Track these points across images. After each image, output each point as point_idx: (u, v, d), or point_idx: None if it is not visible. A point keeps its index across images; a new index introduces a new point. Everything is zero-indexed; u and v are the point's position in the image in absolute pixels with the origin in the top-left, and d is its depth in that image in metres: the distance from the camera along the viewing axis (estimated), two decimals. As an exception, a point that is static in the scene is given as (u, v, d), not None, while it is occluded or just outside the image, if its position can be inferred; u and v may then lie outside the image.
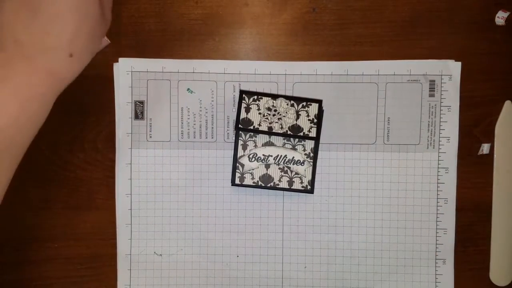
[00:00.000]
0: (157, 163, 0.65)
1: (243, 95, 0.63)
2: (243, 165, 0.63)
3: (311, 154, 0.63)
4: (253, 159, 0.63)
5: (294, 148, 0.63)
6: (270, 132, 0.63)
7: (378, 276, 0.64)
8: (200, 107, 0.65)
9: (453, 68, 0.64)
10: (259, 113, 0.63)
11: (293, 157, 0.63)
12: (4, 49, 0.49)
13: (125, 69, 0.65)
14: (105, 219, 0.66)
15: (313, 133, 0.63)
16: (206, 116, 0.65)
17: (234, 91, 0.65)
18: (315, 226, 0.65)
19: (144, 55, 0.65)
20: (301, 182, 0.63)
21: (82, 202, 0.66)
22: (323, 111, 0.63)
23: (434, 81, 0.64)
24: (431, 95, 0.64)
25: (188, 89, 0.65)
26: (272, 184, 0.63)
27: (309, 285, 0.65)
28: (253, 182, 0.63)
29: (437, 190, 0.65)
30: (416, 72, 0.64)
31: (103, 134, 0.66)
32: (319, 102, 0.63)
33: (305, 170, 0.63)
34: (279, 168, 0.63)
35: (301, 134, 0.62)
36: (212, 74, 0.65)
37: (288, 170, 0.63)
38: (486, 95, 0.64)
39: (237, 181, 0.63)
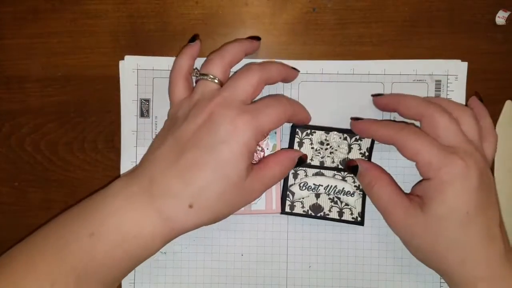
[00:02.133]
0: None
1: (296, 130, 0.63)
2: (294, 193, 0.63)
3: (361, 187, 0.63)
4: (304, 187, 0.63)
5: (344, 179, 0.63)
6: (322, 166, 0.63)
7: (382, 276, 0.64)
8: (205, 106, 0.65)
9: (459, 68, 0.64)
10: (312, 148, 0.63)
11: (343, 188, 0.63)
12: (139, 184, 0.53)
13: (130, 67, 0.65)
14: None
15: None
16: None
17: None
18: (320, 226, 0.65)
19: (144, 55, 0.65)
20: (351, 214, 0.63)
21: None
22: (373, 142, 0.63)
23: (440, 81, 0.64)
24: (437, 95, 0.64)
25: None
26: (322, 214, 0.63)
27: (313, 285, 0.65)
28: (303, 211, 0.63)
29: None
30: (422, 72, 0.64)
31: (104, 134, 0.65)
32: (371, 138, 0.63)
33: (355, 202, 0.63)
34: (329, 198, 0.63)
35: (354, 166, 0.62)
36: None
37: (338, 201, 0.63)
38: (486, 95, 0.64)
39: (287, 209, 0.63)
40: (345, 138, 0.63)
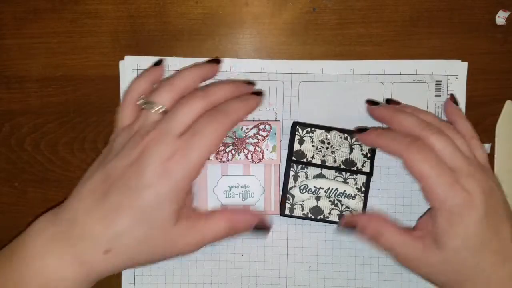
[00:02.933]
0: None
1: (297, 127, 0.62)
2: (294, 196, 0.63)
3: (363, 189, 0.63)
4: (304, 190, 0.63)
5: (345, 181, 0.63)
6: (323, 166, 0.62)
7: (382, 276, 0.64)
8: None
9: (459, 68, 0.65)
10: (313, 146, 0.62)
11: (344, 191, 0.63)
12: (60, 224, 0.51)
13: (130, 67, 0.65)
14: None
15: (366, 168, 0.63)
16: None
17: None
18: (320, 226, 0.65)
19: (144, 55, 0.65)
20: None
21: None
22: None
23: (440, 81, 0.64)
24: (437, 95, 0.64)
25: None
26: (322, 216, 0.63)
27: (313, 285, 0.65)
28: (303, 214, 0.63)
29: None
30: (422, 72, 0.64)
31: (104, 134, 0.65)
32: None
33: (356, 205, 0.63)
34: (330, 201, 0.63)
35: (355, 168, 0.62)
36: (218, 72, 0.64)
37: (339, 204, 0.63)
38: (487, 95, 0.64)
39: (287, 212, 0.63)
40: (346, 138, 0.63)
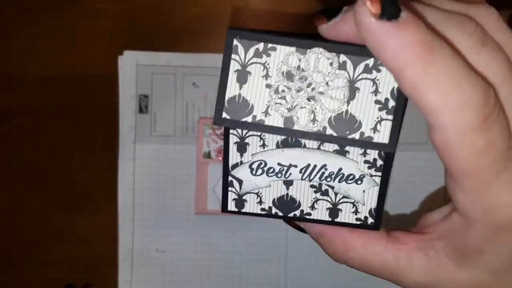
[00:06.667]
0: (161, 158, 0.65)
1: (234, 41, 0.30)
2: (241, 181, 0.34)
3: (379, 163, 0.32)
4: (260, 170, 0.33)
5: (342, 151, 0.32)
6: (289, 130, 0.30)
7: (383, 276, 0.64)
8: (206, 102, 0.65)
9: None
10: (268, 86, 0.30)
11: (340, 170, 0.33)
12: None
13: (130, 62, 0.64)
14: (104, 220, 0.65)
15: (383, 132, 0.30)
16: (211, 112, 0.64)
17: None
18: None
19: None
20: (356, 212, 0.34)
21: (81, 203, 0.65)
22: None
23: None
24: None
25: (194, 83, 0.64)
26: (298, 212, 0.34)
27: (313, 284, 0.64)
28: (262, 209, 0.34)
29: (444, 191, 0.64)
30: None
31: (102, 134, 0.65)
32: None
33: (364, 193, 0.33)
34: (311, 186, 0.33)
35: (358, 134, 0.30)
36: (218, 68, 0.63)
37: (330, 190, 0.33)
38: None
39: (231, 207, 0.35)
40: (343, 64, 0.29)
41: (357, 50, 0.29)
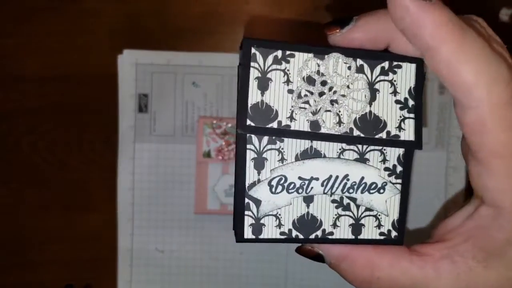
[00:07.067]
0: (160, 157, 0.65)
1: (253, 50, 0.31)
2: (259, 201, 0.31)
3: (398, 169, 0.32)
4: (280, 187, 0.31)
5: (362, 158, 0.32)
6: (316, 134, 0.31)
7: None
8: (205, 102, 0.64)
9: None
10: (290, 91, 0.30)
11: (362, 179, 0.32)
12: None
13: (129, 61, 0.64)
14: (104, 220, 0.65)
15: (408, 130, 0.31)
16: (211, 111, 0.64)
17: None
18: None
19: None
20: (379, 225, 0.33)
21: (80, 203, 0.65)
22: (424, 75, 0.32)
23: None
24: (441, 93, 0.64)
25: (194, 83, 0.64)
26: (319, 233, 0.33)
27: (313, 283, 0.64)
28: (281, 233, 0.32)
29: (445, 191, 0.64)
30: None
31: (102, 134, 0.65)
32: (417, 61, 0.32)
33: (386, 202, 0.33)
34: (333, 201, 0.32)
35: (384, 133, 0.31)
36: (219, 67, 0.63)
37: (352, 204, 0.32)
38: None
39: (247, 234, 0.32)
40: (360, 67, 0.31)
41: (372, 54, 0.31)
